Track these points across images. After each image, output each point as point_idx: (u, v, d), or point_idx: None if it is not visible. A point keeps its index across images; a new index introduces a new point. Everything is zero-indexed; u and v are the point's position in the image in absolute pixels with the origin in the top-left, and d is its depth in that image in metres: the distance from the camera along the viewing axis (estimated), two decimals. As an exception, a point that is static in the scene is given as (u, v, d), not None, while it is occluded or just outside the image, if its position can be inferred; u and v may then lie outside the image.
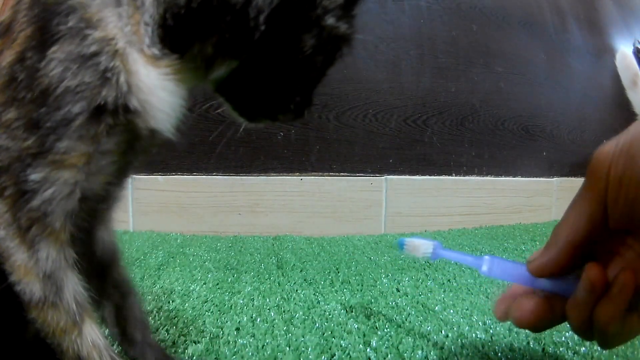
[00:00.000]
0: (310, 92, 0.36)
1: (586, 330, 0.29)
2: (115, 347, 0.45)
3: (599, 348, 0.50)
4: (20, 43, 0.28)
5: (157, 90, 0.30)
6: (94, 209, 0.36)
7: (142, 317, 0.45)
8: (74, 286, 0.33)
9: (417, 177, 1.35)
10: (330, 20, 0.31)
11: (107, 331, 0.44)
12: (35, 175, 0.29)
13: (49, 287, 0.31)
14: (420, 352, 0.49)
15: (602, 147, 0.29)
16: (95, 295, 0.42)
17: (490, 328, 0.57)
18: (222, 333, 0.54)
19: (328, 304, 0.65)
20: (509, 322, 0.58)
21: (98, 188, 0.33)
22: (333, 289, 0.72)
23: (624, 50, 1.68)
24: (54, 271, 0.31)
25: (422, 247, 0.43)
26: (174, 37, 0.30)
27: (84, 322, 0.33)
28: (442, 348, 0.51)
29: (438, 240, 0.42)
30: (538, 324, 0.31)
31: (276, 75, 0.33)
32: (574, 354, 0.49)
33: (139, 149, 0.34)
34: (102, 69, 0.28)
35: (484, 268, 0.36)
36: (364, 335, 0.54)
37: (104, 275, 0.43)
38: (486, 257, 0.37)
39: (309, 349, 0.50)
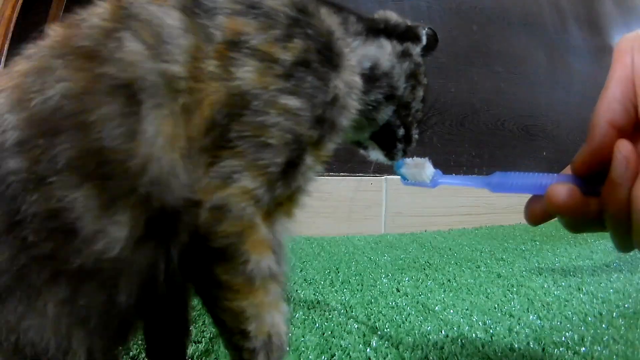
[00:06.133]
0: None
1: (624, 220, 0.27)
2: None
3: (599, 348, 0.50)
4: (300, 50, 0.34)
5: None
6: None
7: None
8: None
9: (417, 177, 1.35)
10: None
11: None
12: (309, 160, 0.35)
13: (278, 259, 0.34)
14: (420, 352, 0.49)
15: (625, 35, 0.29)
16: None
17: (490, 328, 0.57)
18: (222, 333, 0.54)
19: (328, 304, 0.65)
20: (508, 322, 0.59)
21: None
22: (333, 289, 0.72)
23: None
24: (280, 241, 0.34)
25: (425, 167, 0.42)
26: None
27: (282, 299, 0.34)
28: (442, 348, 0.51)
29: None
30: (574, 208, 0.28)
31: (405, 119, 0.49)
32: (574, 354, 0.49)
33: None
34: (354, 103, 0.39)
35: (490, 182, 0.33)
36: (364, 335, 0.54)
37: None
38: (496, 173, 0.33)
39: (309, 349, 0.50)
